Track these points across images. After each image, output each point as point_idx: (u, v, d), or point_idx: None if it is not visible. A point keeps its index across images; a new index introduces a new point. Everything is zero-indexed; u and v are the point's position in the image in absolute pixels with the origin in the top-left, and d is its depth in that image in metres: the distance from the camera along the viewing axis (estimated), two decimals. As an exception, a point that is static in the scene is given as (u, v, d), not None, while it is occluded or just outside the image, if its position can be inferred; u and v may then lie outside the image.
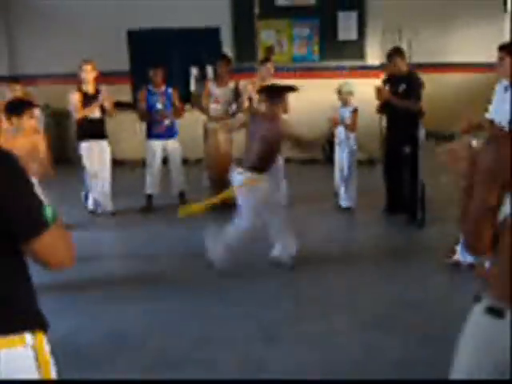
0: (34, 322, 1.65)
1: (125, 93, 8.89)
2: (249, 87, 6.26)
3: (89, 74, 6.08)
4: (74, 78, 6.36)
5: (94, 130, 6.11)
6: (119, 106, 8.77)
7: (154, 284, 4.56)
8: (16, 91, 6.03)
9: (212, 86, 6.48)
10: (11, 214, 1.52)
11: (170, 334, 3.78)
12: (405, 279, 4.50)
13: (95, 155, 6.18)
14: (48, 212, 1.59)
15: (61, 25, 8.60)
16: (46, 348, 1.67)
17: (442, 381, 3.81)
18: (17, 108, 4.64)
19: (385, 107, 5.96)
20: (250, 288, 4.41)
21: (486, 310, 1.69)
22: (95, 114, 6.14)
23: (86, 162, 6.17)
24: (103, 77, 8.41)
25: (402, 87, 5.73)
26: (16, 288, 1.62)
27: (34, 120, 4.78)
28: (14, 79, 6.58)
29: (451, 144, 1.85)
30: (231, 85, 6.50)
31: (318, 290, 4.40)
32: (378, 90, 5.86)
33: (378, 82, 6.72)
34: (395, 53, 5.82)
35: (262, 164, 4.53)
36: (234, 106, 6.55)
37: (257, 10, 7.59)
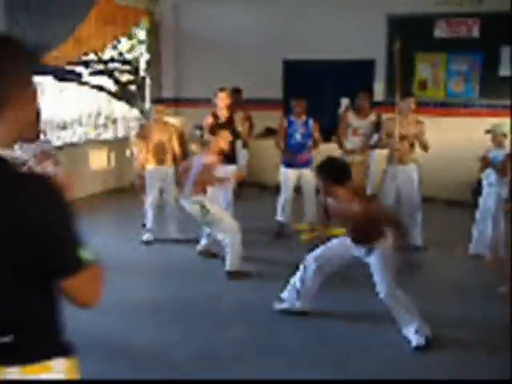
0: (60, 350, 1.64)
1: (277, 120, 9.16)
2: (388, 123, 6.10)
3: (222, 101, 6.35)
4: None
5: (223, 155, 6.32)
6: (270, 132, 9.09)
7: (254, 311, 4.59)
8: (159, 112, 6.48)
9: (352, 118, 6.42)
10: (45, 249, 1.48)
11: (258, 360, 3.80)
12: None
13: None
14: (86, 251, 1.54)
15: (222, 54, 9.13)
16: (75, 375, 1.66)
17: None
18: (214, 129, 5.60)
19: None
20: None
21: None
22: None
23: None
24: (256, 103, 8.81)
25: None
26: (40, 316, 1.60)
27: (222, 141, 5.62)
28: (159, 101, 7.09)
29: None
30: (372, 117, 6.39)
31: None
32: None
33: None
34: None
35: None
36: (375, 138, 6.44)
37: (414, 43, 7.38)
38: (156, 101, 7.35)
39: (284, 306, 4.46)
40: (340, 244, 4.23)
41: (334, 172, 3.85)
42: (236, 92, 8.30)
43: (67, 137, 11.71)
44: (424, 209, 6.30)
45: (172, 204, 6.37)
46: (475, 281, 5.44)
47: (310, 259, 4.32)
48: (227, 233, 5.27)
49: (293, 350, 3.97)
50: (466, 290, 5.15)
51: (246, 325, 4.35)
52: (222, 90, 6.44)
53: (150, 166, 6.34)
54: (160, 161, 6.27)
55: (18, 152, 5.75)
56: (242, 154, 8.41)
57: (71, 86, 11.43)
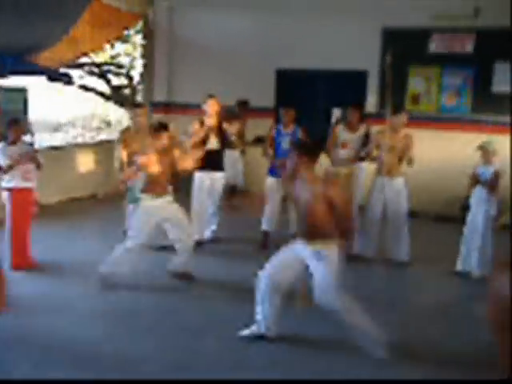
0: None
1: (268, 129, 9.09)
2: (377, 136, 6.06)
3: (211, 108, 6.28)
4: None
5: (209, 160, 6.18)
6: (259, 141, 9.00)
7: (229, 324, 4.44)
8: (138, 116, 6.38)
9: (341, 131, 6.36)
10: None
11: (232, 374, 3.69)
12: None
13: (205, 185, 6.36)
14: None
15: (216, 60, 9.07)
16: None
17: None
18: (154, 130, 5.20)
19: None
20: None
21: None
22: (213, 145, 6.30)
23: (194, 190, 6.37)
24: (248, 111, 8.71)
25: None
26: None
27: (165, 141, 5.21)
28: (138, 105, 7.05)
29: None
30: (362, 130, 6.34)
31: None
32: None
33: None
34: None
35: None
36: (363, 152, 6.37)
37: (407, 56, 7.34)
38: (137, 104, 7.26)
39: (249, 332, 4.21)
40: (288, 251, 4.13)
41: (311, 148, 4.15)
42: (242, 104, 8.24)
43: (58, 139, 11.62)
44: (412, 223, 6.23)
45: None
46: (459, 298, 5.36)
47: (264, 278, 4.10)
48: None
49: (266, 366, 3.87)
50: (449, 306, 5.06)
51: (222, 338, 4.24)
52: (210, 96, 6.37)
53: None
54: None
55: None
56: (240, 163, 8.35)
57: (67, 88, 11.37)
